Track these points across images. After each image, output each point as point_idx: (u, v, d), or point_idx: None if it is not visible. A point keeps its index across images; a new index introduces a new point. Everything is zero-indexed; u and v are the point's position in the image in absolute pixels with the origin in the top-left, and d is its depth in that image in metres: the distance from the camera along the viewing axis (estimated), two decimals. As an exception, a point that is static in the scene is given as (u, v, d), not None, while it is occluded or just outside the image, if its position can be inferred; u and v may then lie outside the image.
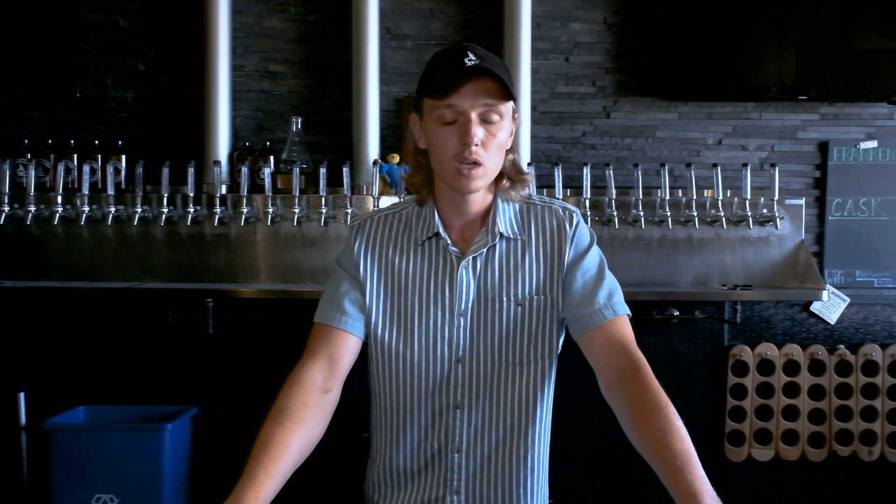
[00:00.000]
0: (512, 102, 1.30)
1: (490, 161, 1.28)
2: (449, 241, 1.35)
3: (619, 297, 1.33)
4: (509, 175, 1.36)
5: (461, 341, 1.33)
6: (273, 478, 1.12)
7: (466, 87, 1.24)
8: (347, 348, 1.33)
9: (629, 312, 1.33)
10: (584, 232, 1.38)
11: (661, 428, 1.12)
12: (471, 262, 1.34)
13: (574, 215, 1.38)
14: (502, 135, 1.29)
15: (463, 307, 1.33)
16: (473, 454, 1.34)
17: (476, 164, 1.26)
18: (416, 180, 1.38)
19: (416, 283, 1.35)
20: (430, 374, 1.33)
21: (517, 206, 1.38)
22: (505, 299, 1.33)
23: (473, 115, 1.25)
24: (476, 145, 1.25)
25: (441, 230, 1.35)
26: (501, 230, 1.34)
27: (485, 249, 1.34)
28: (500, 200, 1.37)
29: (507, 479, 1.34)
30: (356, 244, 1.39)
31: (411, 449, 1.36)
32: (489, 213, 1.36)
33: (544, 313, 1.34)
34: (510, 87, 1.26)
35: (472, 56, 1.25)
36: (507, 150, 1.34)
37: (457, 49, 1.28)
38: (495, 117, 1.27)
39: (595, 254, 1.37)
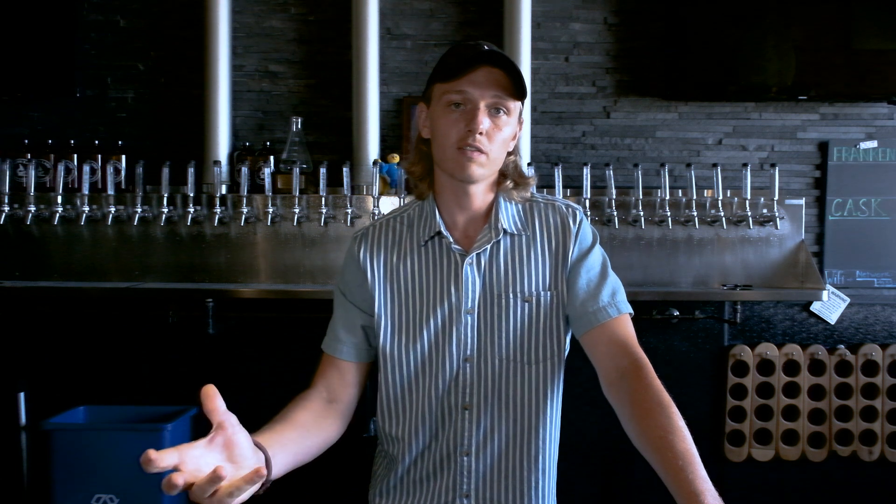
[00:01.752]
0: (520, 104, 1.31)
1: (493, 153, 1.28)
2: (451, 240, 1.34)
3: (622, 296, 1.33)
4: (512, 178, 1.36)
5: (469, 340, 1.33)
6: (266, 431, 1.12)
7: (480, 72, 1.26)
8: (350, 373, 1.35)
9: (632, 311, 1.33)
10: (588, 230, 1.38)
11: (663, 427, 1.12)
12: (475, 258, 1.34)
13: (577, 212, 1.38)
14: (507, 131, 1.30)
15: (470, 305, 1.33)
16: (483, 456, 1.33)
17: (479, 151, 1.26)
18: (415, 169, 1.38)
19: (422, 285, 1.35)
20: (438, 375, 1.33)
21: (520, 205, 1.39)
22: (511, 296, 1.33)
23: (482, 105, 1.26)
24: (481, 133, 1.25)
25: (443, 229, 1.34)
26: (505, 226, 1.34)
27: (488, 246, 1.34)
28: (502, 199, 1.37)
29: (518, 481, 1.34)
30: (360, 253, 1.38)
31: (420, 453, 1.35)
32: (491, 210, 1.36)
33: (551, 310, 1.34)
34: (523, 85, 1.27)
35: (487, 47, 1.28)
36: (509, 153, 1.35)
37: (473, 41, 1.31)
38: (503, 112, 1.28)
39: (598, 252, 1.37)
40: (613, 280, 1.35)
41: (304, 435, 1.19)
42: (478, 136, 1.25)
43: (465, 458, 1.33)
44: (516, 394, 1.33)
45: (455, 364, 1.33)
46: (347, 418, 1.32)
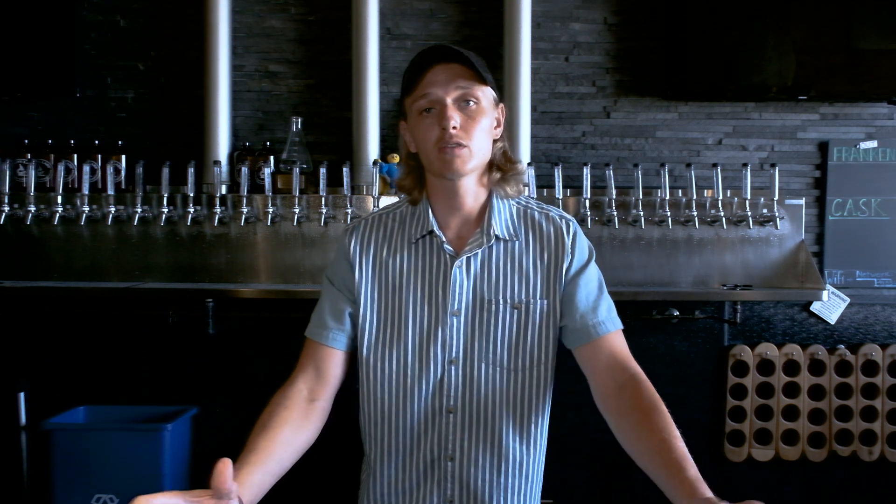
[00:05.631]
0: (491, 90, 1.31)
1: (474, 144, 1.28)
2: (444, 239, 1.34)
3: (616, 312, 1.36)
4: (499, 165, 1.36)
5: (454, 342, 1.32)
6: (251, 464, 1.13)
7: (436, 71, 1.27)
8: (332, 362, 1.34)
9: (623, 326, 1.36)
10: (584, 244, 1.39)
11: (665, 430, 1.15)
12: (465, 262, 1.34)
13: (571, 224, 1.38)
14: (484, 120, 1.29)
15: (456, 307, 1.32)
16: (467, 462, 1.33)
17: (459, 145, 1.27)
18: (405, 182, 1.39)
19: (410, 282, 1.35)
20: (422, 375, 1.32)
21: (514, 208, 1.38)
22: (501, 301, 1.33)
23: (448, 101, 1.26)
24: (455, 128, 1.25)
25: (435, 228, 1.35)
26: (497, 232, 1.34)
27: (479, 250, 1.34)
28: (495, 199, 1.36)
29: (502, 487, 1.34)
30: (351, 246, 1.38)
31: (403, 458, 1.34)
32: (484, 212, 1.36)
33: (541, 319, 1.34)
34: (482, 70, 1.27)
35: (438, 46, 1.28)
36: (496, 140, 1.35)
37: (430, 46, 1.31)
38: (472, 101, 1.28)
39: (595, 267, 1.38)
40: (608, 297, 1.37)
41: (283, 454, 1.20)
42: (452, 131, 1.25)
43: (450, 464, 1.33)
44: (502, 400, 1.33)
45: (440, 366, 1.32)
46: (325, 416, 1.32)
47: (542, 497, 1.42)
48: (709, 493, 1.02)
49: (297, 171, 2.86)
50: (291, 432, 1.23)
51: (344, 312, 1.36)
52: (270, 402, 1.27)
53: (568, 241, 1.36)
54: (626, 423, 1.22)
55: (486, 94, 1.30)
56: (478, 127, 1.28)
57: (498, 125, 1.35)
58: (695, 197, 2.91)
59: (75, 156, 2.99)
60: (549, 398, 1.37)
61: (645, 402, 1.21)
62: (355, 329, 1.36)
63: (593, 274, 1.37)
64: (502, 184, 1.36)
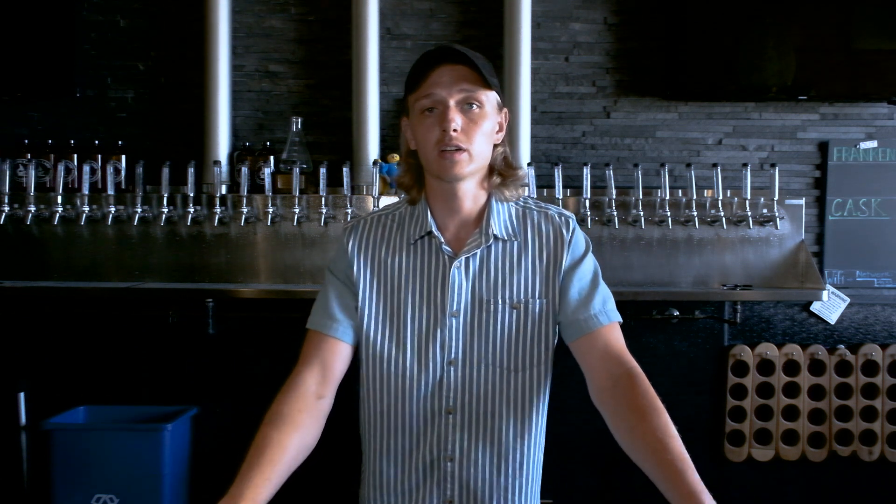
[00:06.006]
0: (495, 94, 1.31)
1: (475, 148, 1.28)
2: (442, 240, 1.34)
3: (613, 304, 1.35)
4: (500, 170, 1.35)
5: (453, 343, 1.32)
6: (270, 480, 1.13)
7: (442, 72, 1.26)
8: (339, 355, 1.34)
9: (621, 319, 1.34)
10: (581, 238, 1.38)
11: (662, 430, 1.14)
12: (463, 262, 1.33)
13: (570, 221, 1.38)
14: (486, 124, 1.29)
15: (455, 308, 1.32)
16: (467, 462, 1.33)
17: (458, 149, 1.26)
18: (404, 180, 1.39)
19: (409, 283, 1.34)
20: (421, 376, 1.32)
21: (513, 208, 1.38)
22: (500, 302, 1.33)
23: (451, 102, 1.26)
24: (455, 131, 1.25)
25: (434, 228, 1.34)
26: (496, 232, 1.34)
27: (478, 251, 1.34)
28: (494, 201, 1.36)
29: (502, 487, 1.34)
30: (349, 245, 1.38)
31: (403, 458, 1.34)
32: (483, 213, 1.35)
33: (540, 318, 1.33)
34: (487, 74, 1.27)
35: (446, 47, 1.28)
36: (497, 145, 1.35)
37: (437, 46, 1.31)
38: (475, 105, 1.28)
39: (590, 260, 1.37)
40: (604, 289, 1.35)
41: (292, 462, 1.20)
42: (452, 134, 1.25)
43: (449, 464, 1.33)
44: (501, 400, 1.33)
45: (438, 367, 1.32)
46: (328, 413, 1.32)
47: (542, 497, 1.42)
48: (706, 498, 1.03)
49: (297, 171, 2.87)
50: (300, 438, 1.23)
51: (351, 307, 1.36)
52: (281, 400, 1.25)
53: (567, 238, 1.36)
54: (623, 420, 1.21)
55: (489, 98, 1.30)
56: (479, 130, 1.28)
57: (500, 130, 1.34)
58: (695, 197, 2.91)
59: (75, 156, 3.00)
60: (547, 396, 1.37)
61: (641, 400, 1.20)
62: (360, 321, 1.36)
63: (588, 267, 1.36)
64: (502, 188, 1.36)
